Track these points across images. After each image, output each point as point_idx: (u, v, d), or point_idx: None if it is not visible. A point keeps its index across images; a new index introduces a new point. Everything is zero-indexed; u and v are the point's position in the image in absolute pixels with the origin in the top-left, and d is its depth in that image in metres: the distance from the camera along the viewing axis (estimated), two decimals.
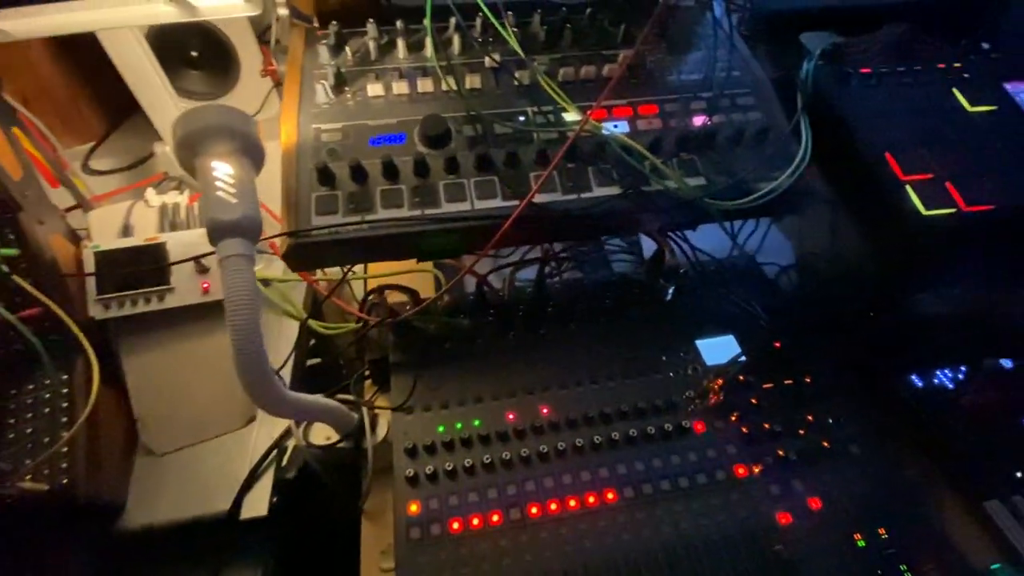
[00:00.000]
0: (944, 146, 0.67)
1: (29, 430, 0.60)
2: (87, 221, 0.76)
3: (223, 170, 0.51)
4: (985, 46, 0.81)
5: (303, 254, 0.59)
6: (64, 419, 0.61)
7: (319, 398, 0.62)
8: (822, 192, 0.70)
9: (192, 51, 1.07)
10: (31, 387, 0.62)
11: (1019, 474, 0.68)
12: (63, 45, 1.09)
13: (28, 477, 0.57)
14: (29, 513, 0.58)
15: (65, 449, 0.59)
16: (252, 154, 0.53)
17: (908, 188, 0.64)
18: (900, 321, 0.81)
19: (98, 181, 1.06)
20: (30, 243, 0.62)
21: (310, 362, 1.00)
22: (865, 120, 0.69)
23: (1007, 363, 0.77)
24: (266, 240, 0.66)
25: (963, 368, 0.77)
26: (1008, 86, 0.74)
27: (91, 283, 0.68)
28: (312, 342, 1.03)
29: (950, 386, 0.75)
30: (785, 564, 0.58)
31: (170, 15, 0.70)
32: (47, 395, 0.62)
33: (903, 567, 0.58)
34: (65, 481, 0.58)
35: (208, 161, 0.51)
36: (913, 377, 0.76)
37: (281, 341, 0.86)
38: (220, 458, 0.69)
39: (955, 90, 0.72)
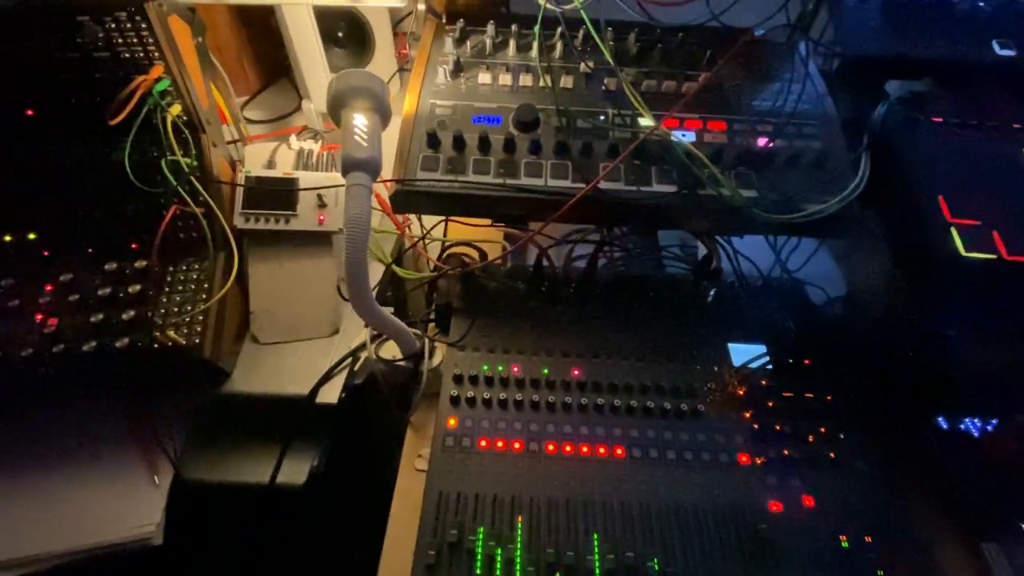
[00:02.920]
0: (1001, 198, 0.70)
1: (178, 298, 0.78)
2: (242, 153, 0.95)
3: (361, 121, 0.66)
4: None
5: (405, 199, 0.73)
6: (203, 296, 0.79)
7: (395, 318, 0.76)
8: (869, 223, 0.74)
9: (339, 32, 1.27)
10: (185, 268, 0.81)
11: None
12: (238, 12, 1.33)
13: (172, 330, 0.75)
14: (167, 357, 0.75)
15: (201, 317, 0.77)
16: (383, 113, 0.68)
17: (953, 230, 0.67)
18: (941, 370, 0.83)
19: (248, 128, 1.29)
20: (205, 158, 0.81)
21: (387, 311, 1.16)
22: (925, 163, 0.73)
23: None
24: (380, 182, 0.81)
25: (994, 420, 0.78)
26: None
27: (239, 199, 0.86)
28: (391, 307, 1.18)
29: (975, 434, 0.77)
30: (764, 542, 0.64)
31: (341, 0, 0.87)
32: (195, 276, 0.80)
33: (880, 572, 0.62)
34: (196, 341, 0.76)
35: (351, 113, 0.66)
36: (940, 419, 0.78)
37: (370, 280, 1.01)
38: (306, 355, 0.85)
39: None
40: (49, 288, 0.77)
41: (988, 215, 0.68)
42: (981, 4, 0.89)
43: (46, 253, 0.78)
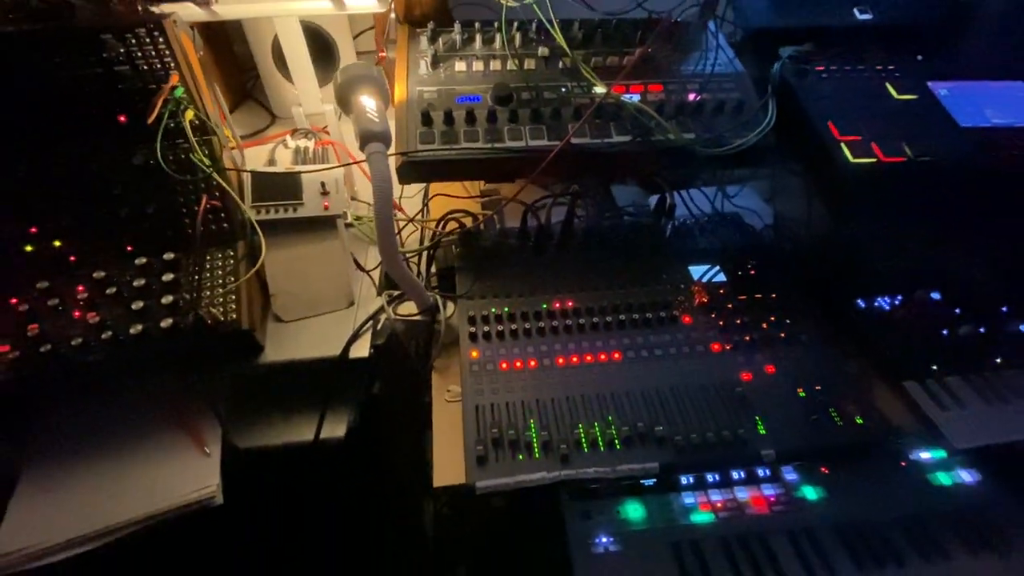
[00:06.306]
0: (873, 119, 0.91)
1: (209, 283, 0.86)
2: (242, 157, 1.04)
3: (371, 102, 0.78)
4: (919, 57, 1.06)
5: (410, 169, 0.86)
6: (232, 278, 0.87)
7: (412, 274, 0.87)
8: (783, 158, 0.94)
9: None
10: (209, 257, 0.88)
11: (935, 367, 0.88)
12: (205, 39, 1.41)
13: (212, 307, 0.83)
14: (210, 333, 0.82)
15: (233, 296, 0.85)
16: (384, 96, 0.81)
17: (842, 145, 0.88)
18: (852, 260, 1.04)
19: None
20: (218, 159, 0.90)
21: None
22: (815, 100, 0.93)
23: (936, 295, 0.98)
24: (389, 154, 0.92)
25: (899, 296, 0.98)
26: (930, 83, 0.98)
27: (248, 193, 0.95)
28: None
29: (886, 308, 0.97)
30: (742, 400, 0.79)
31: (327, 8, 1.00)
32: (220, 262, 0.88)
33: (832, 410, 0.79)
34: (234, 316, 0.83)
35: (361, 96, 0.78)
36: (858, 301, 0.98)
37: (371, 263, 1.11)
38: (328, 326, 0.94)
39: (887, 84, 0.97)
40: (81, 289, 0.82)
41: (866, 132, 0.89)
42: None
43: (72, 259, 0.84)
